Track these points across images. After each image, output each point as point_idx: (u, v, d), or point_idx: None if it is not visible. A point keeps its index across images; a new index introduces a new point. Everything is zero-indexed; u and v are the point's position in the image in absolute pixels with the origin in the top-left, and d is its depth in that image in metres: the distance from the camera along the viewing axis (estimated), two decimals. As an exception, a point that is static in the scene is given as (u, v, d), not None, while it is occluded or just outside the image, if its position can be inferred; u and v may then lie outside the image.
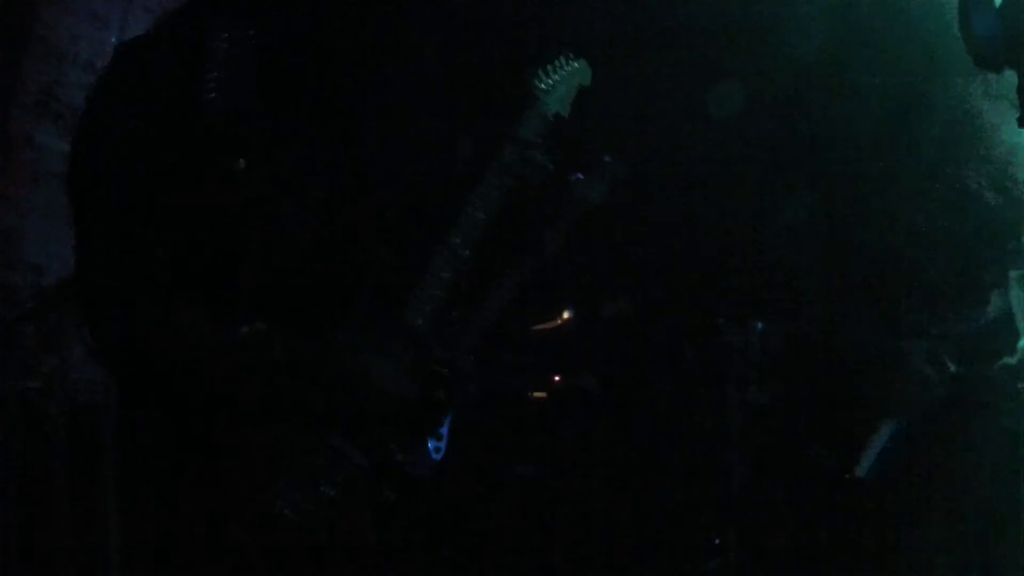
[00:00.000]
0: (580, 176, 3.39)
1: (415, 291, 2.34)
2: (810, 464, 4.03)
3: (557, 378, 4.68)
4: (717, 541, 4.16)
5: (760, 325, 4.22)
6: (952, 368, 3.46)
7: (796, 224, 3.92)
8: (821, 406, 4.01)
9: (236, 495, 1.97)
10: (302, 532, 1.99)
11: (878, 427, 3.60)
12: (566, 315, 4.77)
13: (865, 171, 3.71)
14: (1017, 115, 1.93)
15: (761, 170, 3.96)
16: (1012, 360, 3.23)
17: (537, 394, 4.63)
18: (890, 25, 3.45)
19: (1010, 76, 1.94)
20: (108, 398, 3.48)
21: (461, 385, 2.44)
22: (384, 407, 2.15)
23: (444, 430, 3.11)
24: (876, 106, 3.61)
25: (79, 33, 3.81)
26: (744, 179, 4.01)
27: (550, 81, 2.57)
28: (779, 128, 3.89)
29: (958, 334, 3.54)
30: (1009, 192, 3.45)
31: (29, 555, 3.10)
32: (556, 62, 2.62)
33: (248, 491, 1.97)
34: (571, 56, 2.64)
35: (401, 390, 2.18)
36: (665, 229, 4.23)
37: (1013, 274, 3.33)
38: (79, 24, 3.82)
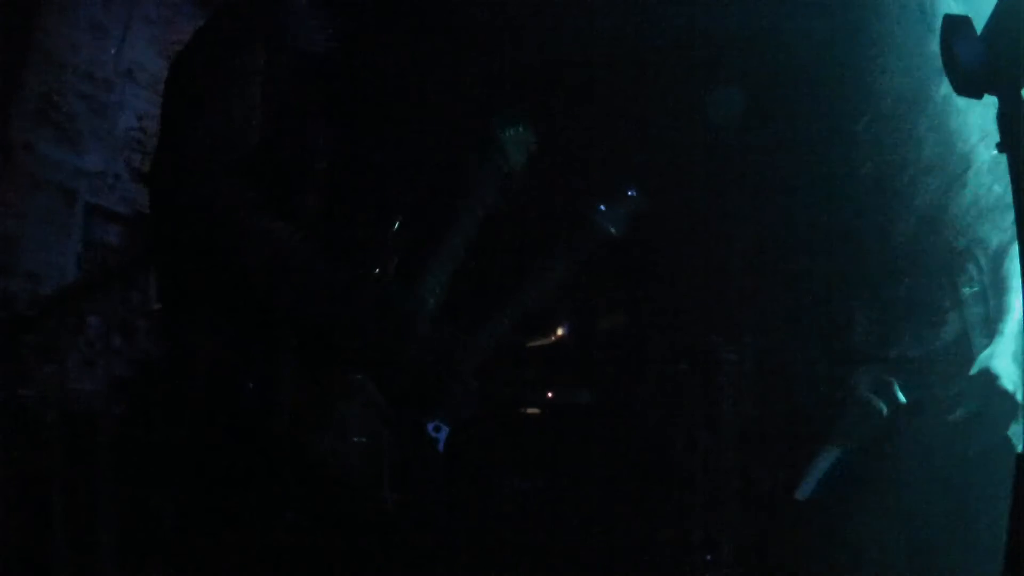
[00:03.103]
0: (602, 208, 3.44)
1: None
2: (756, 486, 4.06)
3: (550, 394, 4.68)
4: (709, 557, 4.17)
5: (750, 341, 4.24)
6: (899, 395, 3.46)
7: (756, 243, 3.94)
8: (770, 429, 4.03)
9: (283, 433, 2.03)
10: (336, 476, 2.04)
11: (820, 451, 3.60)
12: (560, 331, 4.78)
13: (817, 188, 3.72)
14: (996, 141, 1.94)
15: (716, 184, 3.99)
16: (965, 381, 3.23)
17: (531, 408, 4.64)
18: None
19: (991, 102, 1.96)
20: (105, 406, 3.49)
21: (464, 401, 2.51)
22: (423, 354, 2.24)
23: (442, 437, 3.12)
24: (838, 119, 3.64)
25: (79, 43, 3.83)
26: (742, 191, 4.04)
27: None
28: (733, 142, 3.91)
29: (913, 357, 3.55)
30: (967, 212, 3.47)
31: (26, 562, 3.09)
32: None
33: (295, 429, 2.03)
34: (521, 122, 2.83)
35: (438, 346, 2.29)
36: (660, 241, 4.25)
37: (967, 292, 3.35)
38: (79, 34, 3.83)
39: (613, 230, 3.40)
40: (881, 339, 3.59)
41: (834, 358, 3.69)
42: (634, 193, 3.42)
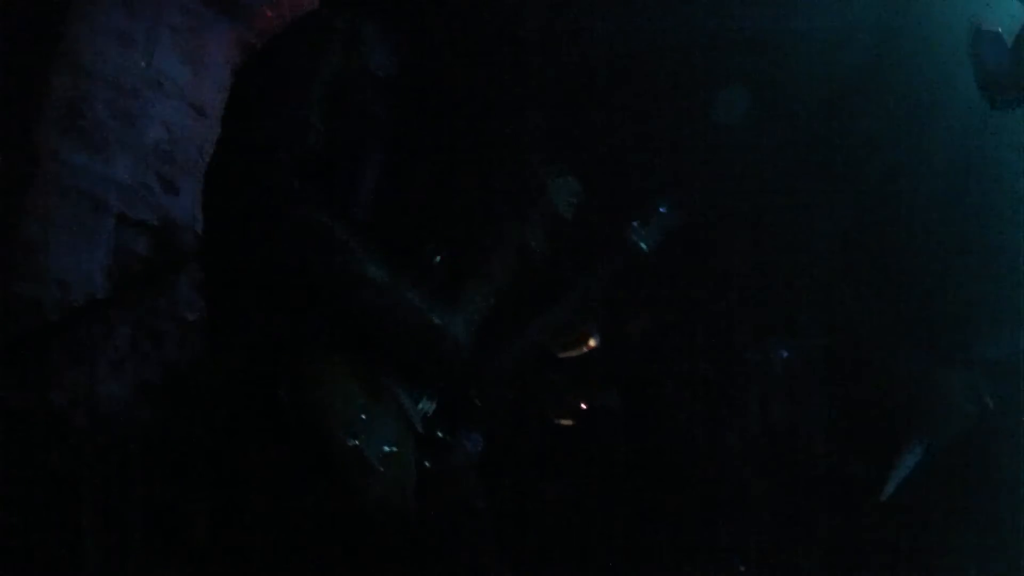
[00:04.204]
0: (635, 224, 3.45)
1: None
2: (835, 482, 3.99)
3: (583, 405, 4.66)
4: (742, 569, 4.13)
5: (783, 344, 4.20)
6: (986, 397, 3.42)
7: (827, 240, 3.90)
8: (849, 425, 3.97)
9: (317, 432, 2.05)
10: (359, 480, 2.05)
11: (906, 449, 3.56)
12: (593, 341, 4.75)
13: (900, 190, 3.68)
14: None
15: (789, 184, 3.95)
16: None
17: (563, 419, 4.61)
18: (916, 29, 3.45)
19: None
20: (134, 412, 3.49)
21: (496, 411, 2.53)
22: (452, 362, 2.26)
23: (475, 446, 3.11)
24: (909, 121, 3.60)
25: (105, 51, 3.85)
26: (770, 193, 4.00)
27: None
28: (807, 141, 3.88)
29: (992, 359, 3.50)
30: None
31: (57, 565, 3.09)
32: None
33: (323, 430, 2.04)
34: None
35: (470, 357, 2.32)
36: (690, 246, 4.23)
37: None
38: (105, 42, 3.85)
39: (645, 247, 3.40)
40: (964, 340, 3.55)
41: (920, 358, 3.65)
42: (666, 210, 3.42)
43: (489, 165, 2.85)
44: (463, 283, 2.54)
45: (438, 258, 2.49)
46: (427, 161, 2.49)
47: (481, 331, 2.52)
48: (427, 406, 2.30)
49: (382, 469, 2.15)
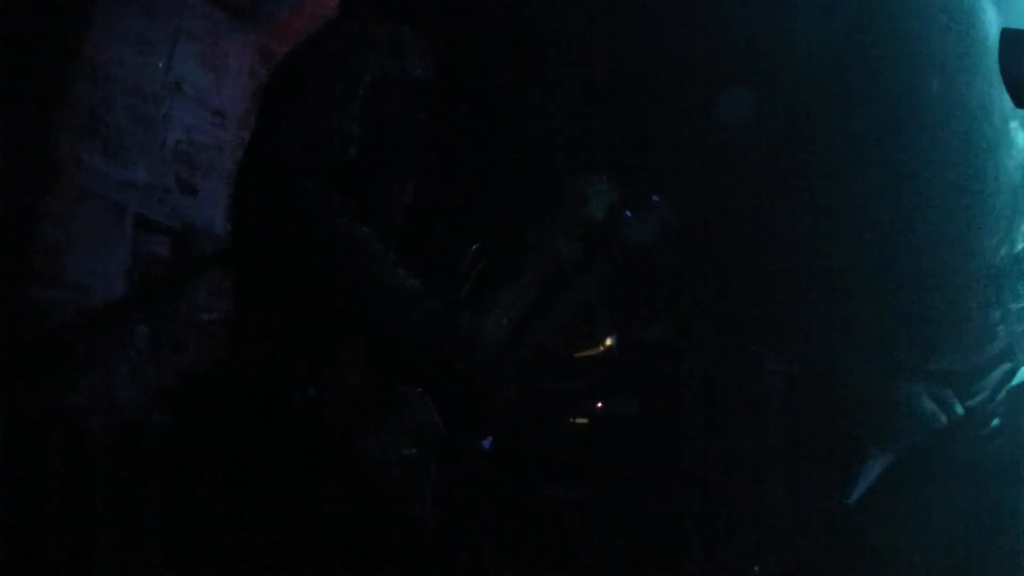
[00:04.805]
0: (629, 215, 3.41)
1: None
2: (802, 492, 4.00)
3: (599, 404, 4.66)
4: (756, 569, 4.12)
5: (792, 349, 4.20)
6: (958, 407, 3.42)
7: (794, 252, 3.89)
8: (816, 436, 3.97)
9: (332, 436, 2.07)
10: (377, 486, 2.06)
11: (869, 458, 3.57)
12: (609, 341, 4.75)
13: (863, 198, 3.67)
14: None
15: (754, 189, 3.94)
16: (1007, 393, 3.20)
17: (578, 419, 4.61)
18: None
19: None
20: (150, 416, 3.52)
21: (501, 412, 2.52)
22: (472, 372, 2.27)
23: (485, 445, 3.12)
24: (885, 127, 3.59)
25: (125, 57, 3.88)
26: (786, 201, 4.00)
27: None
28: (823, 149, 3.86)
29: (959, 371, 3.50)
30: (1015, 227, 3.41)
31: (72, 568, 3.12)
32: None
33: (343, 434, 2.06)
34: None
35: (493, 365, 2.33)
36: (705, 251, 4.22)
37: (1013, 307, 3.30)
38: (126, 48, 3.88)
39: (641, 238, 3.37)
40: (928, 352, 3.55)
41: (883, 369, 3.65)
42: (659, 200, 3.39)
43: (522, 170, 2.85)
44: (494, 293, 2.55)
45: (470, 266, 2.50)
46: (461, 168, 2.50)
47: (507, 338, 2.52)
48: (446, 412, 2.31)
49: (399, 473, 2.16)
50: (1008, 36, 2.03)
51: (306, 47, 2.38)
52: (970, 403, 3.38)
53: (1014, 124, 3.19)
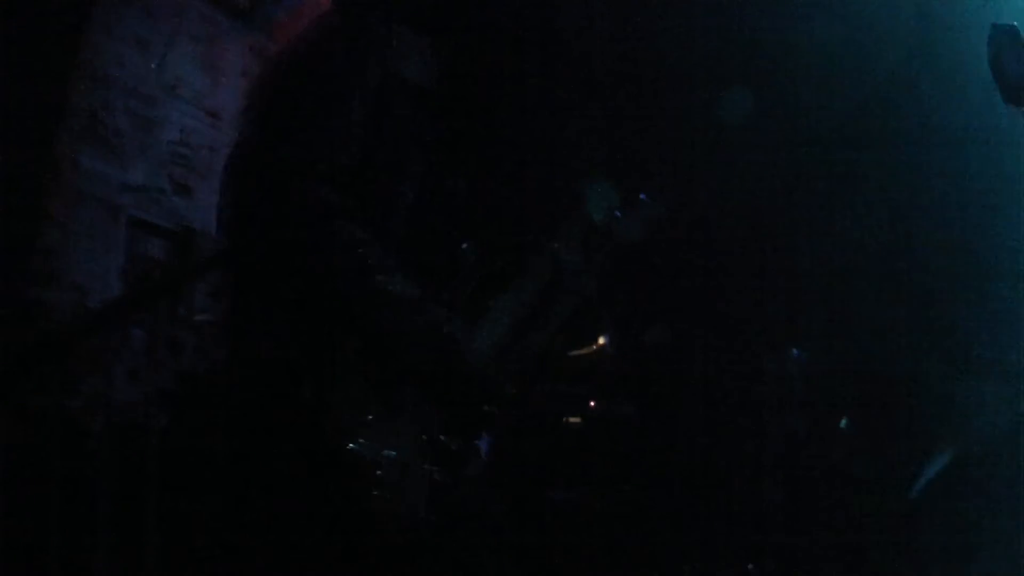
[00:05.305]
0: (617, 214, 3.42)
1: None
2: (857, 488, 3.98)
3: (593, 404, 4.66)
4: (751, 566, 4.12)
5: (797, 352, 4.19)
6: (1017, 405, 3.42)
7: (848, 248, 3.90)
8: (874, 433, 3.96)
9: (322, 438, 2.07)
10: (374, 489, 2.06)
11: (932, 455, 3.56)
12: (603, 341, 4.75)
13: (921, 198, 3.67)
14: None
15: (803, 192, 3.95)
16: None
17: (573, 419, 4.61)
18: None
19: None
20: (150, 417, 3.51)
21: (502, 414, 2.52)
22: (468, 377, 2.26)
23: (483, 447, 3.11)
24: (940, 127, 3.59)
25: (124, 59, 3.88)
26: (785, 203, 4.00)
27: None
28: (824, 150, 3.87)
29: (1019, 366, 3.50)
30: None
31: (70, 570, 3.11)
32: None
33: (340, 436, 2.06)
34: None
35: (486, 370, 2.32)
36: (703, 254, 4.23)
37: None
38: (124, 50, 3.88)
39: (628, 235, 3.37)
40: (999, 349, 3.55)
41: (949, 367, 3.65)
42: (646, 197, 3.39)
43: (523, 174, 2.85)
44: (493, 295, 2.55)
45: (470, 271, 2.50)
46: (461, 172, 2.50)
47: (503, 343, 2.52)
48: (443, 416, 2.31)
49: (398, 474, 2.16)
50: (997, 32, 2.04)
51: (306, 47, 2.38)
52: None
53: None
